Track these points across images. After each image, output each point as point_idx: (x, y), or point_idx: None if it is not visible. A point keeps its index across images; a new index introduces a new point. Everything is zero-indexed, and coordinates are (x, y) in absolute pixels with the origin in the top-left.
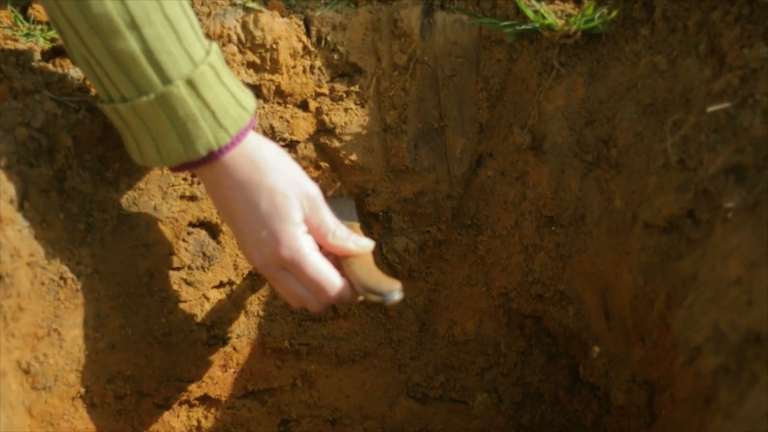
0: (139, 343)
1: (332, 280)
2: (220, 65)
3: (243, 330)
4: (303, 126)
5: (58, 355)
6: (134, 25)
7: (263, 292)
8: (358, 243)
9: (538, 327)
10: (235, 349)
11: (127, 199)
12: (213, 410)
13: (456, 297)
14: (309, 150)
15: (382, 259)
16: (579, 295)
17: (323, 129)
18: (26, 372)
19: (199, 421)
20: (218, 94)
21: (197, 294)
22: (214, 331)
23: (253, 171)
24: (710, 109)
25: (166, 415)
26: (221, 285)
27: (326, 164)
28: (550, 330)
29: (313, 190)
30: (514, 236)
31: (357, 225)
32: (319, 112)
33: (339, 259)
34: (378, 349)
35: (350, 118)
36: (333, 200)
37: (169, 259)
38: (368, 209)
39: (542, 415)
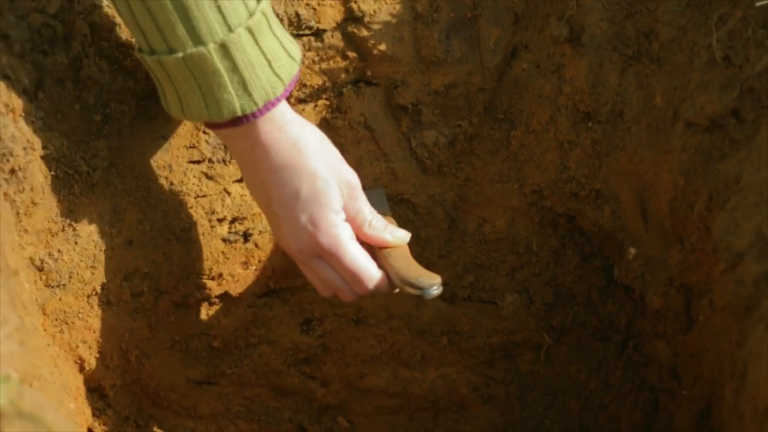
0: (157, 239)
1: (370, 270)
2: (260, 25)
3: (265, 226)
4: (330, 14)
5: (72, 252)
6: None
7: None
8: (395, 234)
9: (572, 226)
10: (257, 245)
11: (145, 89)
12: (233, 309)
13: (487, 194)
14: (336, 39)
15: (411, 153)
16: (615, 194)
17: (351, 17)
18: (40, 269)
19: (218, 320)
20: (252, 58)
21: (218, 188)
22: (235, 226)
23: (295, 154)
24: (759, 3)
25: (185, 314)
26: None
27: (354, 54)
28: (584, 229)
29: (353, 177)
30: (548, 132)
31: (389, 214)
32: None
33: (374, 250)
34: None
35: (380, 5)
36: (363, 187)
37: (189, 151)
38: (397, 101)
39: (574, 317)
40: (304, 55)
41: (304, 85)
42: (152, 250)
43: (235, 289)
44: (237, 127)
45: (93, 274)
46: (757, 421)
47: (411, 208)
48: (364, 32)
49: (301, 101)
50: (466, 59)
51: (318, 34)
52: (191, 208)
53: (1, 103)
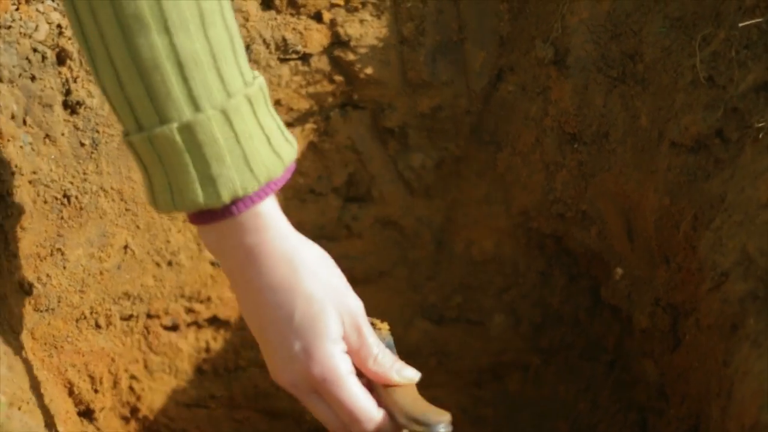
0: (146, 263)
1: (370, 410)
2: (259, 97)
3: None
4: (317, 38)
5: (61, 276)
6: (166, 30)
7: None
8: (402, 374)
9: (559, 247)
10: None
11: None
12: (222, 332)
13: (474, 215)
14: (323, 63)
15: (398, 175)
16: (602, 214)
17: (338, 41)
18: (28, 293)
19: (207, 343)
20: (251, 130)
21: None
22: None
23: (290, 273)
24: (742, 24)
25: (174, 337)
26: None
27: (341, 78)
28: (571, 250)
29: (356, 304)
30: (535, 153)
31: (393, 348)
32: (333, 23)
33: (375, 385)
34: (393, 268)
35: (366, 29)
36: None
37: None
38: (384, 124)
39: (562, 337)
40: (291, 79)
41: (291, 109)
42: (141, 274)
43: (224, 313)
44: (227, 229)
45: (82, 298)
46: None
47: (398, 231)
48: (351, 56)
49: (288, 125)
50: (452, 82)
51: (305, 58)
52: (180, 231)
53: None
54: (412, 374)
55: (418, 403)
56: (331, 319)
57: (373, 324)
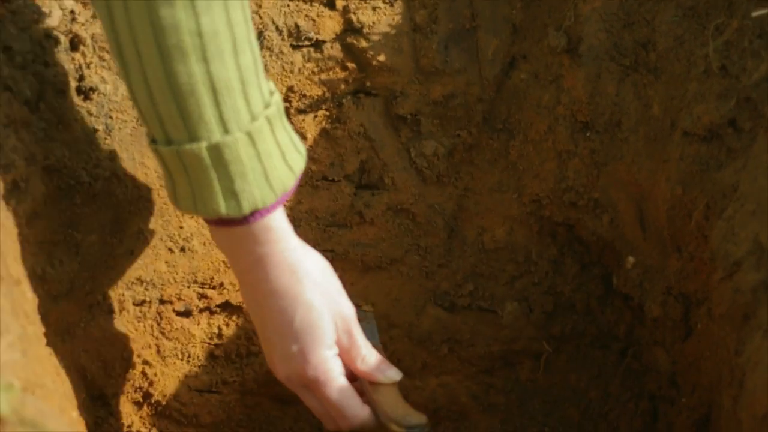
0: (159, 249)
1: (355, 408)
2: (275, 117)
3: None
4: (329, 25)
5: (74, 262)
6: (204, 59)
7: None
8: (386, 374)
9: (571, 235)
10: None
11: None
12: (234, 318)
13: (486, 203)
14: (336, 50)
15: (410, 163)
16: (614, 203)
17: (350, 28)
18: (42, 279)
19: (220, 329)
20: (270, 148)
21: None
22: None
23: (294, 282)
24: (755, 13)
25: (186, 323)
26: None
27: (353, 65)
28: (582, 238)
29: (349, 310)
30: (547, 141)
31: (379, 347)
32: (346, 10)
33: (363, 382)
34: (405, 256)
35: (378, 17)
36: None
37: None
38: (396, 112)
39: (573, 326)
40: (304, 66)
41: (304, 96)
42: (154, 260)
43: (236, 298)
44: (241, 236)
45: (95, 283)
46: (755, 428)
47: (410, 218)
48: (364, 43)
49: (300, 112)
50: (465, 70)
51: (317, 45)
52: (192, 217)
53: (2, 114)
54: (394, 374)
55: (399, 405)
56: (328, 326)
57: (359, 306)
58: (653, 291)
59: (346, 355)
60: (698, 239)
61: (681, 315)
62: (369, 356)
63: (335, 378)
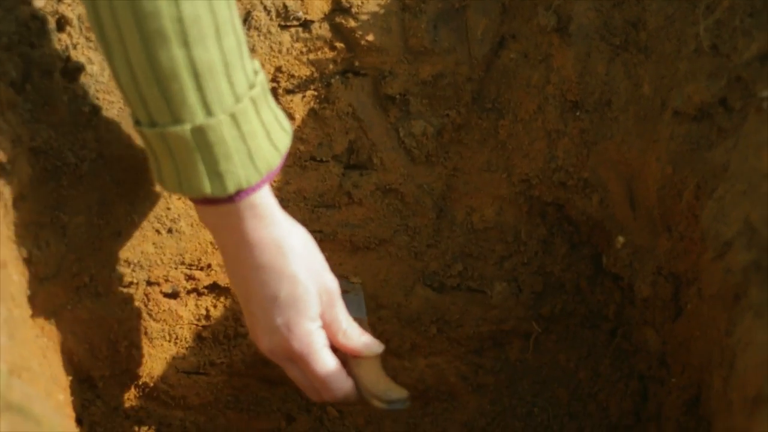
0: (146, 230)
1: (339, 380)
2: (260, 96)
3: None
4: (318, 5)
5: (61, 244)
6: (186, 44)
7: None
8: (368, 346)
9: (561, 215)
10: None
11: None
12: (222, 299)
13: (475, 183)
14: (324, 30)
15: (399, 143)
16: (604, 183)
17: (339, 8)
18: (28, 261)
19: (207, 310)
20: (255, 128)
21: None
22: None
23: (279, 256)
24: None
25: (174, 304)
26: None
27: (342, 45)
28: (572, 218)
29: (333, 284)
30: (536, 121)
31: (365, 320)
32: None
33: (347, 357)
34: (394, 236)
35: None
36: (342, 290)
37: None
38: (385, 92)
39: (563, 306)
40: (292, 46)
41: (292, 76)
42: (141, 241)
43: (224, 280)
44: (226, 213)
45: (82, 265)
46: (746, 409)
47: (399, 198)
48: (352, 23)
49: (289, 92)
50: (454, 49)
51: (306, 25)
52: (180, 198)
53: None
54: (376, 347)
55: (381, 379)
56: (312, 298)
57: (346, 278)
58: (643, 271)
59: (327, 329)
60: (689, 219)
61: (671, 295)
62: (350, 330)
63: (319, 350)
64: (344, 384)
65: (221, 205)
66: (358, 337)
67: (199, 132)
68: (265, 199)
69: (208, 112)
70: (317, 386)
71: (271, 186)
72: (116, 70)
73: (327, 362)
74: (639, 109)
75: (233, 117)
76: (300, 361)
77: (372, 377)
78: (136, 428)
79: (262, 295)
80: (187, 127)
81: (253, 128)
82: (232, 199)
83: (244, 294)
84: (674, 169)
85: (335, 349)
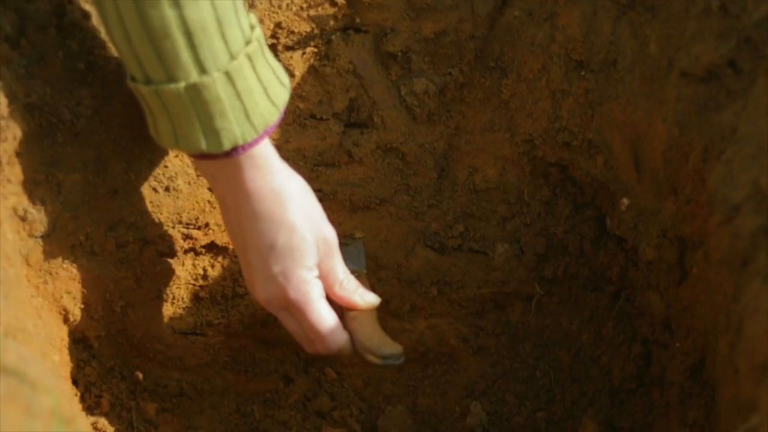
0: (143, 189)
1: (334, 332)
2: (256, 52)
3: None
4: None
5: (56, 202)
6: (176, 3)
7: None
8: (364, 298)
9: (564, 176)
10: None
11: None
12: (220, 259)
13: (477, 142)
14: None
15: (400, 101)
16: (608, 144)
17: None
18: (23, 219)
19: (205, 270)
20: (251, 85)
21: None
22: None
23: (277, 205)
24: None
25: (171, 264)
26: None
27: (342, 0)
28: (576, 179)
29: (331, 234)
30: (541, 80)
31: (364, 273)
32: None
33: (343, 310)
34: (394, 196)
35: None
36: (343, 242)
37: None
38: (386, 49)
39: (566, 268)
40: (292, 2)
41: (292, 32)
42: (137, 200)
43: (222, 239)
44: (224, 165)
45: (77, 223)
46: (753, 376)
47: (400, 157)
48: None
49: (288, 48)
50: (457, 6)
51: None
52: (177, 156)
53: None
54: (372, 299)
55: (376, 334)
56: (309, 248)
57: (350, 235)
58: (648, 234)
59: (324, 280)
60: (695, 182)
61: (676, 258)
62: (347, 281)
63: (315, 300)
64: (339, 336)
65: (218, 159)
66: (355, 289)
67: (194, 90)
68: (264, 150)
69: (202, 70)
70: (312, 337)
71: (271, 140)
72: (110, 28)
73: (322, 312)
74: (645, 69)
75: (228, 74)
76: (295, 310)
77: (367, 331)
78: (132, 389)
79: (259, 244)
80: (181, 85)
81: (249, 85)
82: (228, 155)
83: (242, 243)
84: (681, 131)
85: (332, 302)
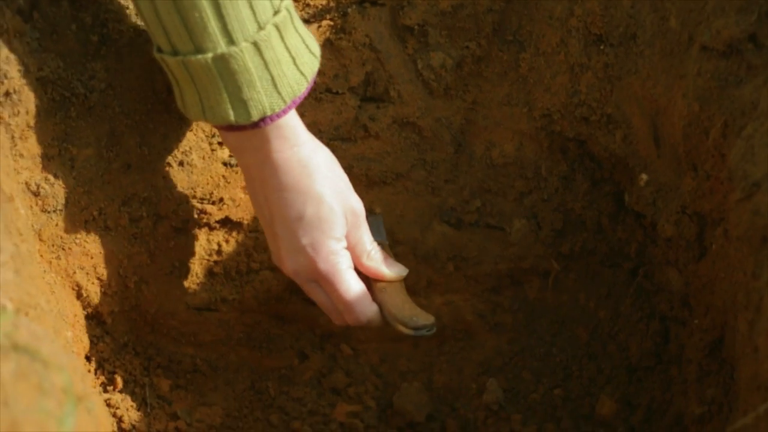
0: (156, 163)
1: (363, 302)
2: (285, 22)
3: None
4: None
5: (69, 176)
6: None
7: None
8: (392, 269)
9: (582, 151)
10: None
11: None
12: (234, 234)
13: (495, 117)
14: None
15: (417, 75)
16: (627, 119)
17: None
18: (36, 194)
19: (219, 245)
20: (279, 55)
21: None
22: None
23: (304, 176)
24: None
25: (185, 239)
26: None
27: None
28: (594, 154)
29: (358, 206)
30: (559, 54)
31: (386, 244)
32: None
33: (371, 281)
34: (411, 171)
35: None
36: None
37: None
38: (403, 22)
39: (583, 243)
40: None
41: (308, 5)
42: (151, 174)
43: (237, 214)
44: (250, 136)
45: (90, 198)
46: None
47: (416, 132)
48: None
49: (304, 21)
50: None
51: None
52: (192, 131)
53: None
54: (400, 270)
55: (406, 305)
56: (338, 219)
57: (369, 209)
58: (667, 210)
59: (352, 251)
60: (715, 158)
61: (695, 235)
62: (375, 252)
63: (344, 270)
64: (369, 307)
65: (245, 131)
66: (382, 260)
67: (222, 60)
68: (291, 121)
69: (230, 40)
70: (341, 308)
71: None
72: (139, 3)
73: (352, 284)
74: (665, 43)
75: (256, 45)
76: (324, 282)
77: (398, 302)
78: (146, 365)
79: (287, 216)
80: (209, 56)
81: (278, 55)
82: (257, 125)
83: (268, 215)
84: (701, 106)
85: (359, 273)
